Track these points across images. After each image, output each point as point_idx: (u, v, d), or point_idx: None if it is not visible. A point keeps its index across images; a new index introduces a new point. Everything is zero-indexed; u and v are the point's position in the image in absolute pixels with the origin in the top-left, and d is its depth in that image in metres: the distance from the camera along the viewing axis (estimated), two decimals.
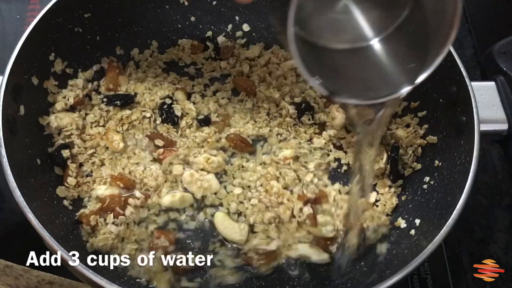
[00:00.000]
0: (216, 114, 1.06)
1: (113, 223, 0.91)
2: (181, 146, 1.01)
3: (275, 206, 0.94)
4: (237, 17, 1.17)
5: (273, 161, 1.00)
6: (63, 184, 0.94)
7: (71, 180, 0.95)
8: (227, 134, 1.03)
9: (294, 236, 0.91)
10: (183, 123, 1.04)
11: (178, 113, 1.04)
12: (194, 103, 1.07)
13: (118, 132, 1.02)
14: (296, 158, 1.01)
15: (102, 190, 0.95)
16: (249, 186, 0.98)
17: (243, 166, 1.00)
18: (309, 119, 1.05)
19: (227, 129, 1.04)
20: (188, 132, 1.03)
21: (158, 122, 1.04)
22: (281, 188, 0.96)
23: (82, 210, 0.92)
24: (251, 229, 0.92)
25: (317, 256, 0.90)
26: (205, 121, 1.04)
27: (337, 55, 0.64)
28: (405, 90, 0.60)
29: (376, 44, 0.65)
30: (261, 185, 0.97)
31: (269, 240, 0.90)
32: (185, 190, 0.96)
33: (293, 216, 0.92)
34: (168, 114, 1.03)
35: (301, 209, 0.92)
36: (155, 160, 0.99)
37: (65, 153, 0.96)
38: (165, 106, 1.04)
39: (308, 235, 0.92)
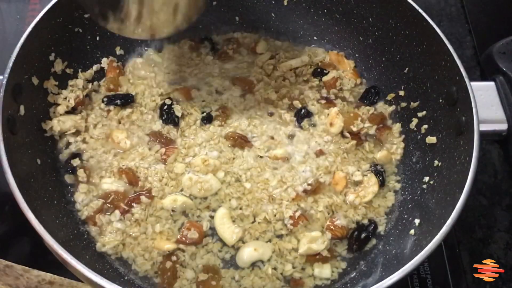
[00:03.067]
0: (216, 109, 1.06)
1: (119, 219, 0.91)
2: (182, 146, 1.00)
3: (270, 202, 0.95)
4: (237, 17, 1.17)
5: (264, 154, 1.01)
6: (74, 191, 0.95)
7: (82, 187, 0.94)
8: (226, 133, 1.03)
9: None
10: (183, 123, 1.04)
11: (179, 113, 1.03)
12: (194, 102, 1.07)
13: (123, 131, 1.01)
14: (286, 160, 1.00)
15: (108, 184, 0.95)
16: (241, 175, 0.98)
17: (234, 158, 1.00)
18: (309, 124, 1.05)
19: (229, 122, 1.04)
20: (188, 132, 1.03)
21: (158, 123, 1.04)
22: (278, 181, 0.96)
23: (86, 211, 0.92)
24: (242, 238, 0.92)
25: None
26: (208, 119, 1.04)
27: None
28: None
29: None
30: (251, 175, 0.98)
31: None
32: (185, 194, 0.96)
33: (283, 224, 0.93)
34: (168, 115, 1.03)
35: (290, 217, 0.93)
36: (159, 161, 0.99)
37: (75, 162, 0.96)
38: (165, 107, 1.04)
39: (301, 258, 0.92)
